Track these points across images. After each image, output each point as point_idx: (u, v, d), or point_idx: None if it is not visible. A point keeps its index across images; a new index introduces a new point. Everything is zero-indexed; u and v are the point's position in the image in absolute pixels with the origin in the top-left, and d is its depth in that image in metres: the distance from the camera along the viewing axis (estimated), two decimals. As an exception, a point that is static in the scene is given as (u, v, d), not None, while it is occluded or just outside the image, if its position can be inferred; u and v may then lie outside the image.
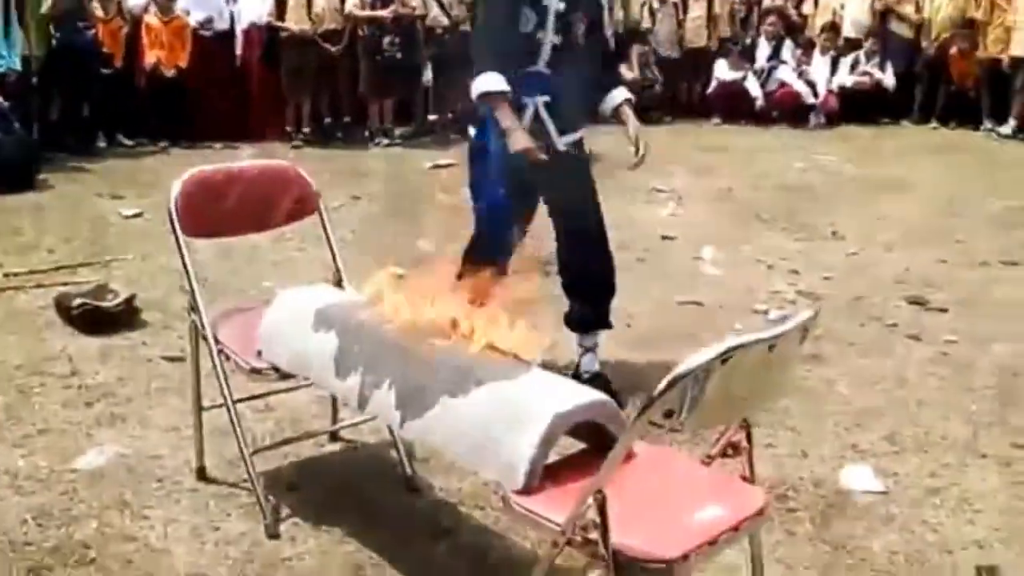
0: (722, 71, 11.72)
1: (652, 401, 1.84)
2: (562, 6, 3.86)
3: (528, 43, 3.88)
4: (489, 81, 3.77)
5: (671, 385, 1.83)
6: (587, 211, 4.05)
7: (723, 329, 4.72)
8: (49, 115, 9.13)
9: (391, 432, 3.20)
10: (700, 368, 1.81)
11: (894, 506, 3.29)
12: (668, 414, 1.87)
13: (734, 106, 11.58)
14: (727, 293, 5.43)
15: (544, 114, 3.95)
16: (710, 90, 11.85)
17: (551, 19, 3.85)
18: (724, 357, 1.82)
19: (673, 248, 6.39)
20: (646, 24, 11.69)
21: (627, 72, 11.37)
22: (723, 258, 6.12)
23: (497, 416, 2.22)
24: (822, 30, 11.95)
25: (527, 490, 2.12)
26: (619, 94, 4.10)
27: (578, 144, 4.08)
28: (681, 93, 12.06)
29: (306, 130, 10.14)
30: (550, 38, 3.87)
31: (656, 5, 11.72)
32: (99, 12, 9.18)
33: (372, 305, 2.71)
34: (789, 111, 11.60)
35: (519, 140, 3.75)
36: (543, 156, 3.74)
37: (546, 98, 3.94)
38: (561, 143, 3.98)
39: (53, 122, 9.20)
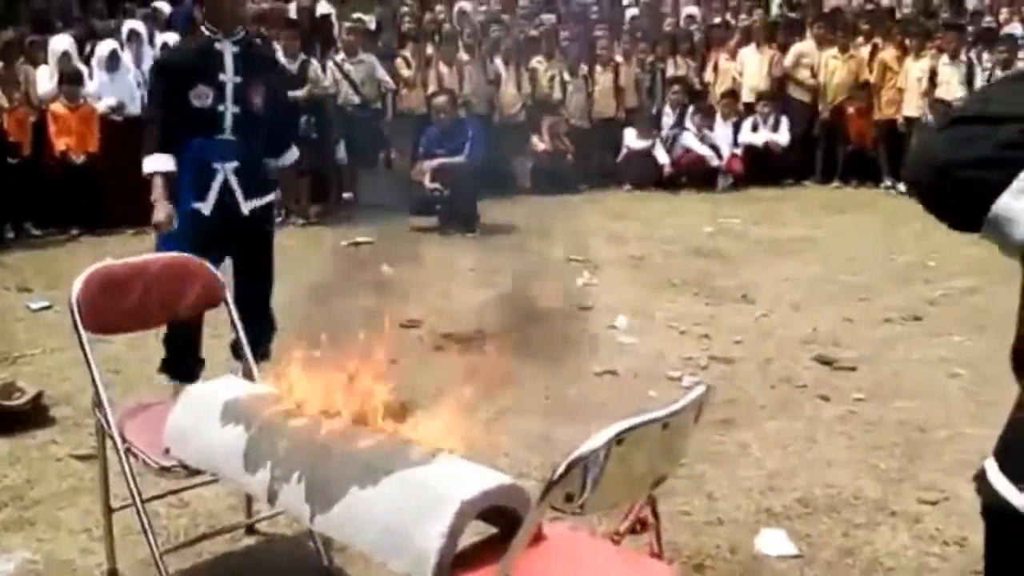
0: (631, 139, 11.98)
1: (551, 486, 1.87)
2: (239, 80, 4.47)
3: (209, 115, 4.44)
4: (151, 162, 4.51)
5: (569, 469, 1.86)
6: (262, 272, 4.77)
7: (639, 398, 4.80)
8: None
9: (308, 525, 3.17)
10: (596, 451, 1.85)
11: (808, 569, 3.36)
12: (569, 497, 1.91)
13: (644, 173, 11.83)
14: (642, 361, 5.51)
15: (232, 179, 4.51)
16: (620, 158, 12.09)
17: (229, 92, 4.45)
18: (619, 439, 1.87)
19: (589, 318, 6.48)
20: (557, 95, 11.92)
21: (539, 143, 11.60)
22: (637, 325, 6.22)
23: (404, 506, 2.22)
24: (722, 96, 12.32)
25: (437, 580, 2.13)
26: (288, 157, 4.89)
27: (266, 208, 4.72)
28: (593, 162, 12.28)
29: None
30: (230, 109, 4.45)
31: (567, 77, 11.96)
32: (3, 101, 9.08)
33: (280, 395, 2.71)
34: (696, 175, 11.89)
35: (159, 212, 4.49)
36: (172, 227, 4.44)
37: (235, 163, 4.51)
38: (247, 207, 4.57)
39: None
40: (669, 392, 4.95)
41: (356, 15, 11.45)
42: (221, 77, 4.45)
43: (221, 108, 4.45)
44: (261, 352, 4.21)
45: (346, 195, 10.77)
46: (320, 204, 10.56)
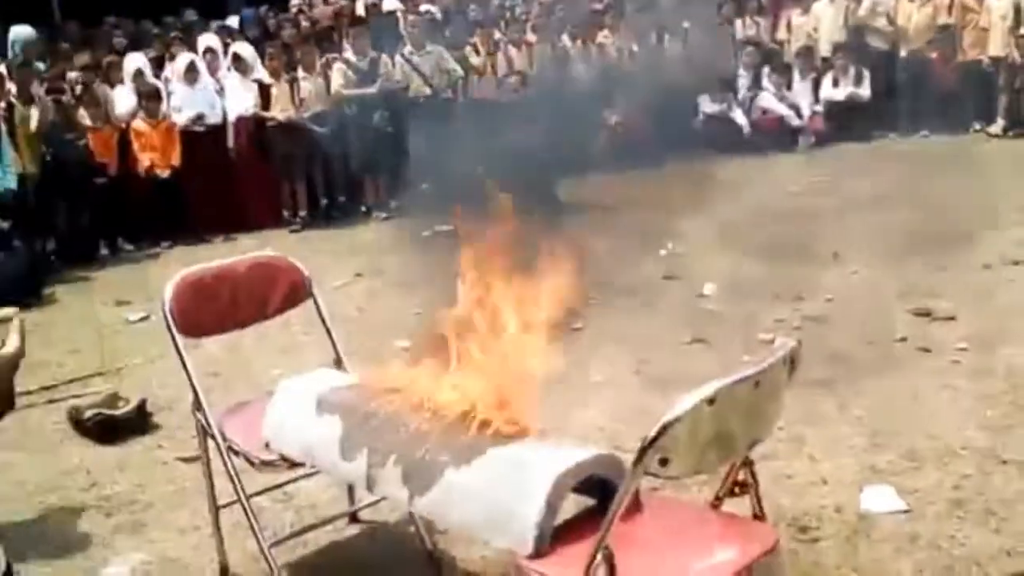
0: (706, 104, 11.81)
1: (645, 450, 1.85)
2: None
3: None
4: None
5: (661, 432, 1.84)
6: None
7: (732, 364, 4.72)
8: (53, 228, 9.26)
9: (410, 513, 3.20)
10: (688, 413, 1.82)
11: (919, 523, 3.28)
12: (663, 462, 1.88)
13: (722, 137, 11.65)
14: (733, 327, 5.43)
15: None
16: (696, 124, 11.92)
17: None
18: (710, 399, 1.83)
19: (677, 287, 6.41)
20: (626, 67, 11.82)
21: (612, 117, 11.50)
22: (726, 291, 6.13)
23: (502, 483, 2.23)
24: (798, 53, 12.06)
25: (538, 554, 2.13)
26: None
27: None
28: (668, 131, 12.11)
29: (303, 213, 10.22)
30: None
31: (635, 48, 11.84)
32: (87, 122, 9.34)
33: (374, 385, 2.73)
34: (777, 136, 11.67)
35: None
36: None
37: None
38: None
39: (56, 236, 9.33)
40: (762, 356, 4.88)
41: (423, 7, 11.47)
42: None
43: None
44: None
45: (425, 185, 10.82)
46: (399, 197, 10.64)
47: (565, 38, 11.50)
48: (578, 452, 2.26)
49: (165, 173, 9.66)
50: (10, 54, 9.85)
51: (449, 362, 2.64)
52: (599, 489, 2.30)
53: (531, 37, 11.39)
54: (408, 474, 2.43)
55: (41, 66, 9.83)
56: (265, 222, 10.11)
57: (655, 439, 1.82)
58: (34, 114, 8.91)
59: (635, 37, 11.88)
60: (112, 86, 9.90)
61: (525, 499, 2.16)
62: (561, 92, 11.27)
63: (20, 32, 9.46)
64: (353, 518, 3.59)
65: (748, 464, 2.22)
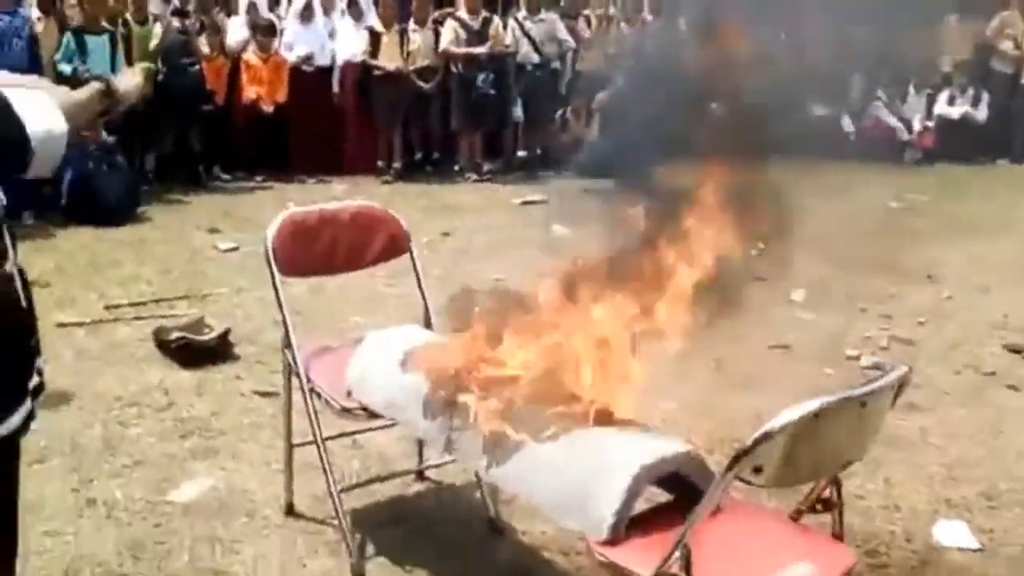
0: (814, 106, 11.58)
1: (741, 456, 1.82)
2: None
3: None
4: None
5: (761, 441, 1.81)
6: None
7: (814, 375, 4.65)
8: (160, 149, 9.45)
9: (476, 474, 3.21)
10: (791, 424, 1.79)
11: (990, 564, 3.20)
12: (757, 469, 1.86)
13: (826, 141, 11.42)
14: (818, 337, 5.33)
15: None
16: (803, 124, 11.70)
17: None
18: (816, 413, 1.80)
19: (763, 289, 6.29)
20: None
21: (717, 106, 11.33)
22: (815, 300, 6.02)
23: (583, 465, 2.22)
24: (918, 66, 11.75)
25: (612, 541, 2.12)
26: None
27: None
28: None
29: (396, 165, 10.28)
30: None
31: (748, 41, 11.67)
32: (205, 49, 9.47)
33: (461, 347, 2.74)
34: (883, 147, 11.40)
35: None
36: None
37: None
38: None
39: (157, 157, 9.52)
40: (846, 371, 4.80)
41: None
42: None
43: None
44: None
45: (520, 153, 10.81)
46: (494, 161, 10.64)
47: (682, 20, 11.32)
48: (663, 446, 2.24)
49: (270, 108, 9.78)
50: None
51: (541, 331, 2.63)
52: (676, 484, 2.28)
53: (647, 15, 11.24)
54: (489, 443, 2.43)
55: (163, -12, 10.00)
56: (358, 168, 10.20)
57: (753, 446, 1.79)
58: (156, 33, 9.07)
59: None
60: (228, 16, 10.03)
61: (605, 485, 2.15)
62: (668, 76, 11.13)
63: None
64: (420, 475, 3.62)
65: (836, 483, 2.18)
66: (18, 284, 1.96)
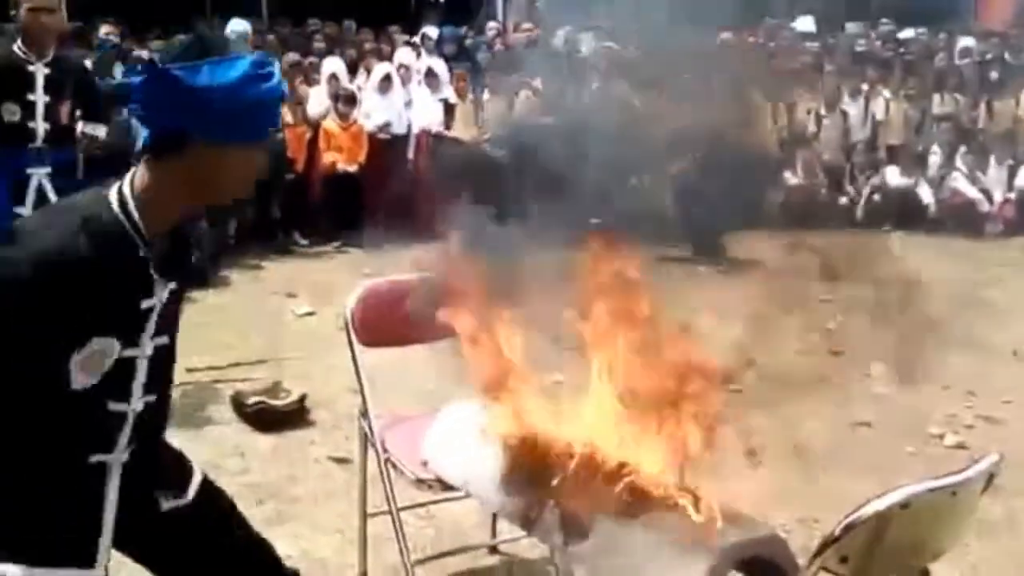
0: (892, 177, 11.45)
1: (827, 546, 1.78)
2: (47, 98, 4.89)
3: (19, 130, 4.85)
4: None
5: (847, 530, 1.77)
6: None
7: (897, 455, 4.55)
8: (241, 214, 9.67)
9: (550, 551, 3.18)
10: (878, 514, 1.75)
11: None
12: (843, 559, 1.81)
13: (904, 213, 11.27)
14: (899, 414, 5.21)
15: (46, 184, 4.88)
16: (877, 196, 11.56)
17: (39, 110, 4.88)
18: (904, 504, 1.75)
19: (841, 363, 6.20)
20: (811, 130, 11.59)
21: (791, 177, 11.27)
22: (894, 375, 5.89)
23: (663, 547, 2.19)
24: (997, 138, 11.57)
25: (692, 626, 2.07)
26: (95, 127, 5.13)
27: None
28: (846, 199, 11.82)
29: (468, 233, 10.32)
30: (41, 125, 4.88)
31: (823, 111, 11.61)
32: (288, 117, 9.72)
33: (538, 422, 2.73)
34: (962, 219, 11.20)
35: None
36: None
37: (47, 170, 4.89)
38: None
39: (240, 221, 9.74)
40: (930, 451, 4.68)
41: (611, 44, 11.50)
42: (30, 96, 4.88)
43: (32, 124, 4.89)
44: None
45: (593, 221, 10.82)
46: (567, 229, 10.66)
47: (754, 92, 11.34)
48: (746, 528, 2.20)
49: (352, 167, 9.88)
50: (228, 44, 10.37)
51: (614, 410, 2.62)
52: (759, 568, 2.24)
53: (720, 88, 11.26)
54: (566, 521, 2.41)
55: (249, 60, 10.30)
56: (434, 234, 10.29)
57: (839, 536, 1.75)
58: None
59: (824, 101, 11.64)
60: (310, 86, 10.29)
61: (685, 568, 2.11)
62: (741, 145, 11.12)
63: (237, 26, 9.94)
64: (493, 549, 3.60)
65: (924, 572, 2.11)
66: None
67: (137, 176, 1.98)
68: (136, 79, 1.93)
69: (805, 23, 13.19)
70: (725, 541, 2.11)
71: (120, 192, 1.97)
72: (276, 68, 2.00)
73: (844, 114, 11.70)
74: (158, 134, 1.96)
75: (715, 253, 9.21)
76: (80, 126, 5.10)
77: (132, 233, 1.94)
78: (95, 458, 2.06)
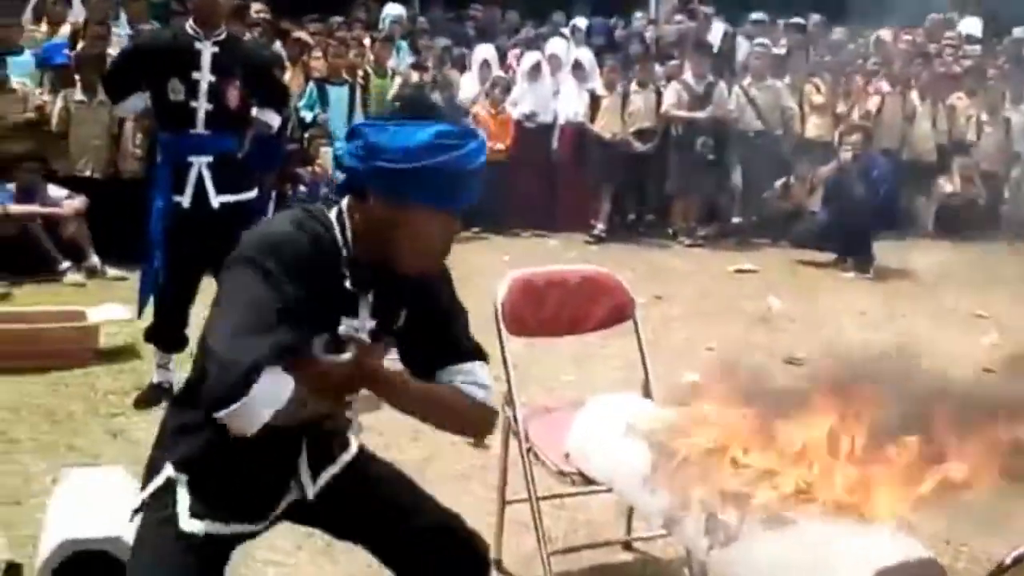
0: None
1: (998, 574, 1.71)
2: (213, 78, 4.67)
3: (181, 110, 4.65)
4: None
5: (1015, 563, 1.70)
6: None
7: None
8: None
9: (686, 550, 3.16)
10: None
11: None
12: (1011, 592, 1.74)
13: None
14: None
15: (206, 174, 4.68)
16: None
17: (203, 89, 4.66)
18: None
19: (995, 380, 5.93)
20: (971, 138, 11.12)
21: (947, 184, 10.85)
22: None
23: (810, 562, 2.14)
24: None
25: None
26: (267, 115, 5.11)
27: (239, 207, 4.76)
28: (1008, 208, 11.29)
29: (601, 226, 10.25)
30: (203, 105, 4.65)
31: (984, 117, 11.13)
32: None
33: (688, 423, 2.70)
34: None
35: None
36: None
37: (208, 158, 4.69)
38: (216, 201, 4.69)
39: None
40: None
41: (758, 40, 11.26)
42: (195, 75, 4.67)
43: (194, 104, 4.67)
44: None
45: (736, 220, 10.66)
46: (709, 226, 10.54)
47: (914, 95, 10.95)
48: (901, 548, 2.13)
49: (499, 147, 9.83)
50: (382, 27, 10.62)
51: (768, 415, 2.57)
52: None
53: (885, 87, 10.89)
54: (711, 525, 2.38)
55: (403, 44, 10.50)
56: (571, 225, 10.30)
57: (1010, 567, 1.68)
58: (395, 85, 9.50)
59: (986, 105, 11.15)
60: (461, 72, 10.41)
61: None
62: (898, 149, 10.76)
63: (392, 9, 10.14)
64: (627, 545, 3.59)
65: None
66: None
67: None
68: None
69: (971, 25, 12.67)
70: (877, 563, 2.05)
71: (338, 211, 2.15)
72: (475, 143, 2.08)
73: (1007, 121, 11.19)
74: (348, 181, 2.13)
75: (863, 259, 8.94)
76: (255, 111, 5.03)
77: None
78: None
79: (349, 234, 2.13)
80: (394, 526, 2.41)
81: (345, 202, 2.15)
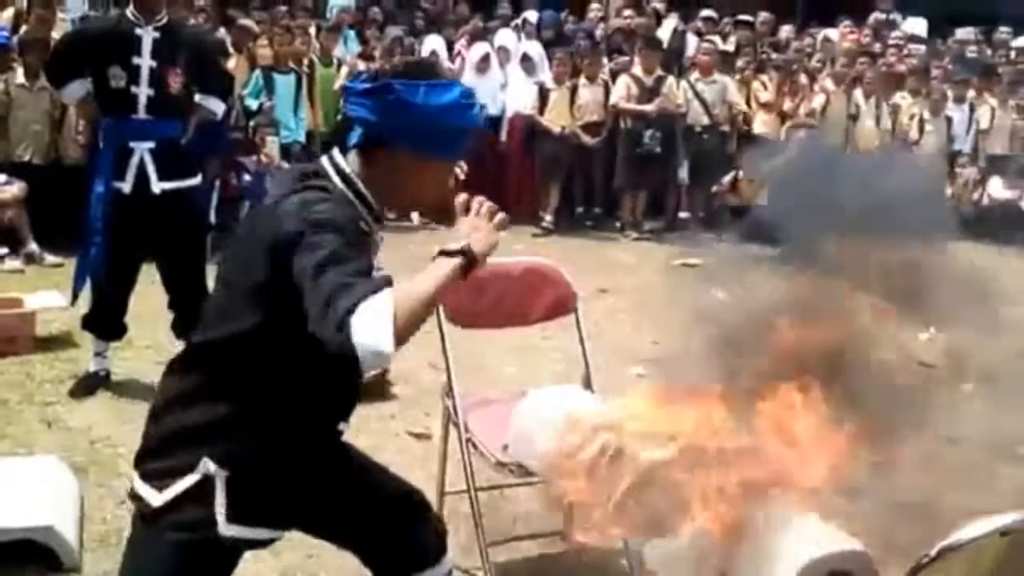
0: (995, 189, 11.12)
1: (919, 568, 1.74)
2: (154, 64, 4.65)
3: (123, 96, 4.62)
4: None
5: (941, 554, 1.72)
6: (186, 270, 4.69)
7: (987, 473, 4.40)
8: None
9: (624, 541, 3.17)
10: (975, 540, 1.70)
11: None
12: (935, 583, 1.76)
13: (1008, 227, 10.93)
14: (991, 432, 5.04)
15: (147, 158, 4.66)
16: (979, 207, 11.24)
17: (144, 75, 4.64)
18: (1004, 531, 1.70)
19: (933, 376, 6.02)
20: (913, 136, 11.29)
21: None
22: (985, 391, 5.71)
23: (743, 554, 2.16)
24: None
25: (769, 636, 2.05)
26: (210, 101, 5.03)
27: (181, 193, 4.75)
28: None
29: (548, 218, 10.27)
30: (145, 91, 4.63)
31: (927, 116, 11.31)
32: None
33: (624, 415, 2.71)
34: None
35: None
36: None
37: (150, 144, 4.67)
38: (158, 187, 4.67)
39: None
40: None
41: (708, 37, 11.34)
42: (136, 60, 4.64)
43: (135, 90, 4.65)
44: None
45: (683, 214, 10.73)
46: (656, 220, 10.60)
47: (859, 94, 11.08)
48: (832, 541, 2.17)
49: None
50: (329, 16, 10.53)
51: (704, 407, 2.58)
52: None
53: (829, 85, 11.02)
54: (644, 515, 2.40)
55: (351, 33, 10.41)
56: (518, 218, 10.28)
57: (934, 559, 1.70)
58: (342, 74, 9.42)
59: (929, 104, 11.33)
60: (411, 63, 10.34)
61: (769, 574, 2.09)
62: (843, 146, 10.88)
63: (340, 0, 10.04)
64: (565, 536, 3.59)
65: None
66: None
67: (349, 164, 2.19)
68: (358, 84, 2.18)
69: (916, 24, 12.87)
70: (812, 553, 2.07)
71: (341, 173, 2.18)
72: (478, 103, 2.25)
73: (948, 120, 11.39)
74: (369, 135, 2.18)
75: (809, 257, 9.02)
76: (197, 97, 4.97)
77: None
78: (341, 426, 2.33)
79: (362, 186, 2.18)
80: (367, 503, 2.43)
81: (349, 157, 2.19)
